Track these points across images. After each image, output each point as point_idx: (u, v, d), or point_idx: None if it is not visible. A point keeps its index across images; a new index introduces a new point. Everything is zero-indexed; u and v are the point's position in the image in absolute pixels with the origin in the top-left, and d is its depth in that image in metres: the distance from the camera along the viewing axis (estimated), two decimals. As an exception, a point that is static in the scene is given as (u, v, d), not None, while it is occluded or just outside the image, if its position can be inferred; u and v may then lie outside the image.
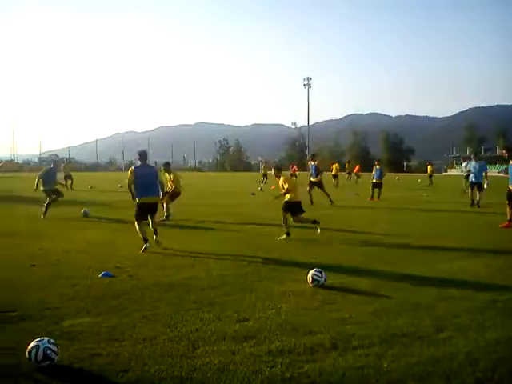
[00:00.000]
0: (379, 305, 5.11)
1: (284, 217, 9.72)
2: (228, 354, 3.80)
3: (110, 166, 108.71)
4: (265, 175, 35.74)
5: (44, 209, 13.32)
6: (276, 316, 4.74)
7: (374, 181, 20.05)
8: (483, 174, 16.23)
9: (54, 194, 13.82)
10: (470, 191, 16.86)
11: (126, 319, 4.64)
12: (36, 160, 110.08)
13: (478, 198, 16.26)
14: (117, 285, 5.96)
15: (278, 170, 10.32)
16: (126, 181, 8.74)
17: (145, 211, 8.70)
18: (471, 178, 16.75)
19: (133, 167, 8.95)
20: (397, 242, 9.36)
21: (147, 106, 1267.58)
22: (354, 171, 36.69)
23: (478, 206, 16.05)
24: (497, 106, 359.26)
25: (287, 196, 9.80)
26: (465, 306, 5.06)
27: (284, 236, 9.58)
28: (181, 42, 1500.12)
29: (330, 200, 17.15)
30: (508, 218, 11.32)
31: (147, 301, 5.27)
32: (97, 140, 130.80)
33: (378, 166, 20.42)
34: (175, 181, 13.34)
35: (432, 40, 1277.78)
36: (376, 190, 19.81)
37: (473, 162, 17.09)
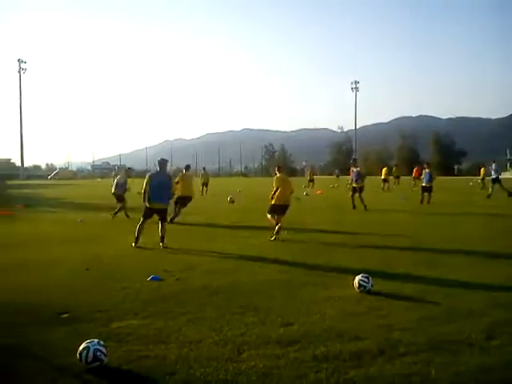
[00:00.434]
0: (426, 311, 5.00)
1: (271, 218, 10.64)
2: (273, 358, 3.82)
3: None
4: (311, 180, 35.80)
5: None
6: (321, 321, 4.73)
7: (424, 185, 19.62)
8: None
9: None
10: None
11: (173, 322, 4.74)
12: (89, 168, 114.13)
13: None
14: (164, 288, 6.10)
15: (278, 169, 11.41)
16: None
17: (151, 213, 9.55)
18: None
19: (150, 173, 9.89)
20: (444, 247, 9.11)
21: (195, 114, 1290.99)
22: (414, 175, 33.92)
23: None
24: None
25: (274, 198, 10.68)
26: (517, 314, 4.87)
27: (273, 237, 10.21)
28: (226, 51, 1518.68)
29: (365, 206, 16.86)
30: None
31: (193, 304, 5.36)
32: (146, 147, 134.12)
33: (427, 170, 19.98)
34: (183, 184, 13.63)
35: (480, 39, 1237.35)
36: (426, 194, 19.37)
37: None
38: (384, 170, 31.69)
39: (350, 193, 17.75)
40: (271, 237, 10.22)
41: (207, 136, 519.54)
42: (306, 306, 5.25)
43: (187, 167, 14.74)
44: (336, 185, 38.40)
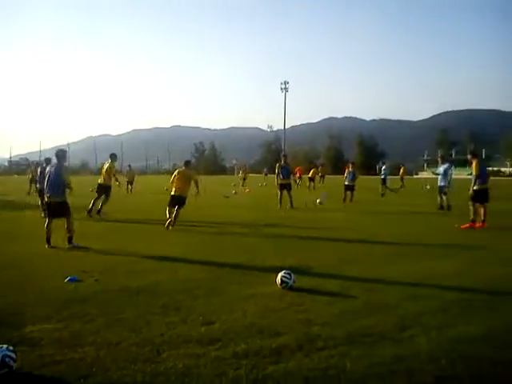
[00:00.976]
0: (346, 305, 5.15)
1: (169, 209, 12.03)
2: (193, 358, 3.77)
3: (82, 169, 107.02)
4: (244, 179, 36.72)
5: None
6: (243, 318, 4.73)
7: (347, 183, 20.30)
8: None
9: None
10: (438, 198, 16.35)
11: (90, 325, 4.56)
12: (6, 164, 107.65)
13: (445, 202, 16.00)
14: (82, 289, 5.85)
15: (185, 164, 13.02)
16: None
17: (49, 208, 9.36)
18: (443, 182, 16.05)
19: (44, 166, 10.80)
20: (366, 243, 9.51)
21: (122, 109, 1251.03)
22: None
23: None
24: (468, 110, 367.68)
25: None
26: (429, 306, 5.14)
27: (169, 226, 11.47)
28: (156, 44, 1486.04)
29: (291, 204, 17.11)
30: (472, 218, 11.70)
31: (112, 305, 5.19)
32: (68, 143, 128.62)
33: (351, 169, 20.68)
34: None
35: (407, 44, 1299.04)
36: (348, 192, 20.04)
37: (446, 165, 16.43)
38: (313, 170, 32.91)
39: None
40: (167, 226, 11.49)
41: (134, 132, 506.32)
42: (229, 303, 5.24)
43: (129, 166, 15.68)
44: (264, 183, 38.87)
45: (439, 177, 16.22)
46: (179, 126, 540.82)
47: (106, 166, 14.82)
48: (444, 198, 15.97)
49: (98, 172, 13.89)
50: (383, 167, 26.79)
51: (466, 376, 3.42)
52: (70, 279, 6.25)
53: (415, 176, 75.91)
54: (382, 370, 3.52)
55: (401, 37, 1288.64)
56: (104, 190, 14.28)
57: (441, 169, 16.22)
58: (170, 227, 11.50)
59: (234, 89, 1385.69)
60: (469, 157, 12.32)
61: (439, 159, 17.04)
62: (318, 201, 18.99)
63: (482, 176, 11.85)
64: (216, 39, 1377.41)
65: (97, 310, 5.03)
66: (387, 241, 9.76)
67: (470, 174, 12.23)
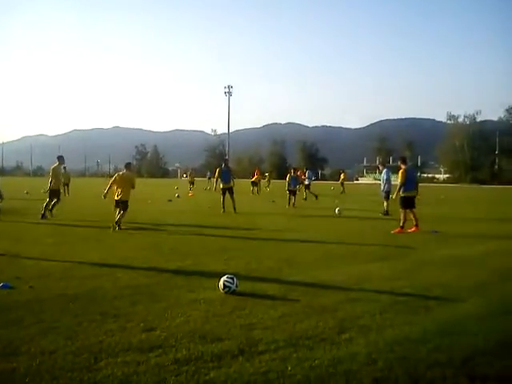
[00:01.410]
0: (287, 309, 5.21)
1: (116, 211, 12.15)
2: (132, 365, 3.68)
3: (16, 171, 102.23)
4: (192, 182, 36.75)
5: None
6: (184, 324, 4.68)
7: (291, 188, 20.60)
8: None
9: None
10: (384, 202, 16.91)
11: (24, 332, 4.36)
12: None
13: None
14: (16, 296, 5.58)
15: (126, 166, 13.10)
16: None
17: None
18: (385, 187, 16.69)
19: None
20: (308, 246, 9.69)
21: (59, 108, 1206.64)
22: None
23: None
24: (405, 118, 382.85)
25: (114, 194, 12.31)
26: (368, 307, 5.29)
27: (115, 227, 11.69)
28: (96, 42, 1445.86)
29: (234, 208, 17.16)
30: (401, 223, 12.17)
31: (48, 313, 4.98)
32: (3, 143, 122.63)
33: (293, 174, 21.04)
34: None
35: (347, 54, 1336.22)
36: (292, 196, 20.38)
37: (385, 170, 17.33)
38: (257, 175, 33.17)
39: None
40: (113, 228, 11.67)
41: (73, 133, 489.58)
42: (170, 309, 5.16)
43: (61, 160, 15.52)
44: (208, 187, 38.73)
45: (383, 182, 16.86)
46: (119, 127, 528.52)
47: (53, 167, 14.93)
48: (385, 203, 16.67)
49: (33, 174, 13.57)
50: (307, 172, 27.38)
51: (403, 377, 3.53)
52: (1, 286, 5.94)
53: (355, 181, 78.16)
54: (321, 372, 3.59)
55: (341, 46, 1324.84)
56: (54, 193, 14.45)
57: (384, 175, 16.94)
58: (117, 228, 11.77)
59: (177, 91, 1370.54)
60: (400, 163, 12.84)
61: (380, 166, 17.79)
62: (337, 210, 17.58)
63: (409, 183, 12.30)
64: (160, 39, 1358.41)
65: (31, 317, 4.81)
66: (328, 244, 9.99)
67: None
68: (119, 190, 12.18)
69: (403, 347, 4.12)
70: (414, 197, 12.37)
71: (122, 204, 12.07)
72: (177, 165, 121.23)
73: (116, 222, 11.73)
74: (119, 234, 11.32)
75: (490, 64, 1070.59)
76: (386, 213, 16.48)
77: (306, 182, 26.45)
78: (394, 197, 12.65)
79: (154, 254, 8.67)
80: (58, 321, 4.72)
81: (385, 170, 17.19)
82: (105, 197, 12.51)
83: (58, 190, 14.70)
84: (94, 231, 11.95)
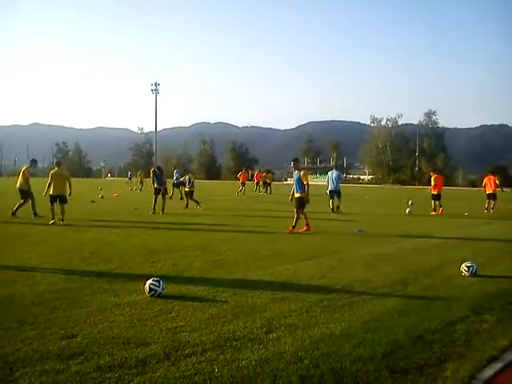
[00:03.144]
0: (215, 310, 5.16)
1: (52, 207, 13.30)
2: (51, 374, 3.48)
3: None
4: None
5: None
6: (108, 330, 4.50)
7: (187, 189, 20.20)
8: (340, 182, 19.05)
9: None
10: (330, 200, 18.92)
11: None
12: None
13: (337, 204, 18.90)
14: None
15: (57, 164, 14.27)
16: None
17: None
18: (332, 186, 18.90)
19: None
20: (235, 246, 9.67)
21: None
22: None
23: (336, 211, 18.50)
24: (332, 121, 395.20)
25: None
26: (295, 306, 5.36)
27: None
28: (13, 35, 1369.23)
29: (163, 209, 17.28)
30: (293, 224, 12.43)
31: (-43, 323, 4.62)
32: None
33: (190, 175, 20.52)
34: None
35: (276, 57, 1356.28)
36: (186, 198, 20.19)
37: (334, 172, 19.28)
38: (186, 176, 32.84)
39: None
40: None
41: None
42: (93, 315, 4.94)
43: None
44: (134, 188, 37.92)
45: (330, 182, 19.02)
46: (39, 123, 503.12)
47: (23, 169, 15.46)
48: (331, 201, 18.74)
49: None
50: (175, 171, 26.61)
51: (329, 373, 3.60)
52: None
53: (284, 182, 79.50)
54: (248, 372, 3.58)
55: (272, 48, 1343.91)
56: (25, 194, 14.87)
57: (332, 174, 18.98)
58: (57, 222, 12.99)
59: (101, 87, 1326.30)
60: (292, 164, 13.21)
61: (334, 167, 20.47)
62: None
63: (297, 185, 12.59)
64: (83, 31, 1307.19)
65: None
66: (256, 244, 10.05)
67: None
68: (55, 186, 13.48)
69: (329, 344, 4.20)
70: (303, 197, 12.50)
71: (60, 198, 13.44)
72: (101, 164, 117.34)
73: (54, 217, 13.17)
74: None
75: (411, 71, 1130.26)
76: (337, 208, 18.67)
77: (174, 181, 25.24)
78: (290, 199, 12.96)
79: (75, 257, 8.29)
80: (-33, 331, 4.38)
81: (336, 172, 19.32)
82: (45, 195, 13.74)
83: (27, 191, 14.97)
84: (10, 231, 11.24)
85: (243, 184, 31.88)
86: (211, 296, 5.78)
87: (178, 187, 24.75)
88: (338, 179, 19.20)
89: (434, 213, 19.07)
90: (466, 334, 4.55)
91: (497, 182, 21.13)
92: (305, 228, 12.48)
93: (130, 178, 45.48)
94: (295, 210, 12.55)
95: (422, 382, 3.51)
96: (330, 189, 18.99)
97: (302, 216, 12.50)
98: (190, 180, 19.64)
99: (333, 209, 18.64)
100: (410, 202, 22.52)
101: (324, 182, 23.39)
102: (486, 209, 20.68)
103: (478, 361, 3.90)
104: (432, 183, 19.79)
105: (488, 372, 3.74)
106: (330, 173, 19.49)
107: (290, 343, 4.20)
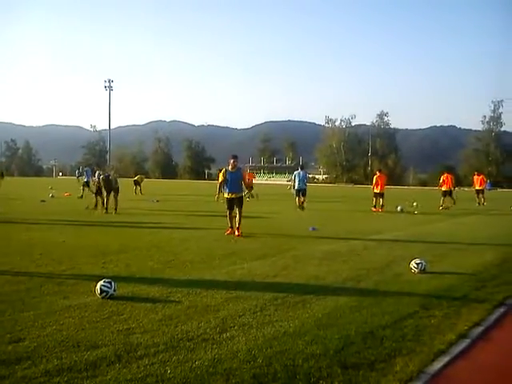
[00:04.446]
0: (168, 311, 5.11)
1: None
2: (-5, 381, 3.36)
3: None
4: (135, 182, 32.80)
5: None
6: (57, 333, 4.37)
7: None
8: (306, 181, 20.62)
9: None
10: (296, 198, 20.25)
11: None
12: None
13: (303, 201, 20.07)
14: None
15: None
16: None
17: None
18: (299, 185, 20.13)
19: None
20: (189, 246, 9.60)
21: None
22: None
23: (300, 208, 19.61)
24: (288, 121, 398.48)
25: None
26: (249, 305, 5.38)
27: None
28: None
29: (115, 209, 16.99)
30: (230, 224, 11.81)
31: None
32: None
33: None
34: None
35: (234, 57, 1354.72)
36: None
37: (301, 172, 20.45)
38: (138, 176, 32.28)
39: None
40: None
41: None
42: (41, 318, 4.79)
43: None
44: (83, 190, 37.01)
45: (296, 180, 20.19)
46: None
47: None
48: (297, 198, 20.02)
49: None
50: (81, 168, 25.78)
51: (282, 371, 3.62)
52: None
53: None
54: (201, 372, 3.56)
55: (229, 48, 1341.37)
56: None
57: (299, 174, 20.30)
58: None
59: (52, 83, 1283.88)
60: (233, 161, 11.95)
61: (300, 167, 21.31)
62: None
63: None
64: (31, 27, 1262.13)
65: None
66: (211, 243, 10.02)
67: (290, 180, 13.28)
68: None
69: (282, 342, 4.24)
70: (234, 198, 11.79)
71: None
72: (52, 162, 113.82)
73: None
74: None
75: (364, 73, 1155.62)
76: (302, 204, 19.99)
77: (85, 180, 24.24)
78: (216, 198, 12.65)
79: (23, 258, 8.00)
80: None
81: (302, 172, 20.66)
82: None
83: None
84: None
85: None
86: (164, 297, 5.71)
87: (88, 185, 22.77)
88: (305, 178, 20.65)
89: (374, 209, 20.29)
90: (415, 329, 4.69)
91: (453, 180, 22.87)
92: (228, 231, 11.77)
93: (79, 177, 43.81)
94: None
95: (372, 377, 3.59)
96: (297, 187, 20.17)
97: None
98: (99, 176, 18.47)
99: (298, 205, 19.87)
100: (414, 204, 22.79)
101: (281, 181, 24.22)
102: (442, 206, 21.94)
103: (426, 355, 4.03)
104: (374, 182, 21.03)
105: (436, 365, 3.87)
106: (296, 172, 20.71)
107: (244, 342, 4.21)
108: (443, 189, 22.42)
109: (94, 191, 18.17)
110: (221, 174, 11.88)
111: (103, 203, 17.09)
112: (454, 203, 22.08)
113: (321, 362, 3.80)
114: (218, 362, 3.75)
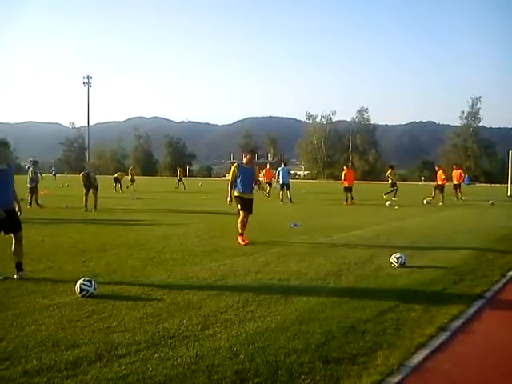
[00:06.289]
0: (150, 309, 5.07)
1: None
2: (-28, 384, 3.30)
3: None
4: (132, 180, 32.17)
5: None
6: (36, 332, 4.31)
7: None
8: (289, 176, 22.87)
9: None
10: (280, 192, 22.28)
11: None
12: None
13: (290, 196, 21.77)
14: None
15: None
16: None
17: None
18: (283, 180, 22.18)
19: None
20: (171, 243, 9.54)
21: None
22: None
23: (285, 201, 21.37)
24: (269, 117, 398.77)
25: None
26: (231, 302, 5.37)
27: None
28: None
29: (95, 207, 16.89)
30: (241, 231, 10.16)
31: None
32: None
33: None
34: None
35: (219, 54, 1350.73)
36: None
37: (284, 168, 22.76)
38: (121, 173, 31.96)
39: None
40: None
41: None
42: (20, 317, 4.71)
43: None
44: (66, 184, 36.60)
45: (281, 176, 22.20)
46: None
47: None
48: (281, 192, 22.10)
49: None
50: (28, 165, 24.92)
51: (264, 366, 3.63)
52: None
53: (222, 178, 79.41)
54: (183, 370, 3.55)
55: (211, 44, 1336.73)
56: None
57: (283, 170, 22.37)
58: None
59: (29, 79, 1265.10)
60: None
61: (282, 163, 23.99)
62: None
63: None
64: (9, 22, 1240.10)
65: None
66: (194, 240, 9.97)
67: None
68: None
69: (264, 338, 4.25)
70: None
71: None
72: (30, 159, 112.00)
73: None
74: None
75: (344, 69, 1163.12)
76: (289, 199, 21.63)
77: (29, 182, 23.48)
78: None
79: (0, 258, 7.84)
80: None
81: (285, 168, 22.90)
82: None
83: None
84: None
85: (269, 184, 26.63)
86: (146, 294, 5.67)
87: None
88: (288, 174, 22.87)
89: (345, 203, 21.41)
90: (395, 322, 4.75)
91: (462, 174, 25.64)
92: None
93: (55, 175, 42.92)
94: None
95: (354, 371, 3.62)
96: (281, 182, 22.35)
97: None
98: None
99: (282, 199, 21.80)
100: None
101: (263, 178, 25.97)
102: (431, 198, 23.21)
103: (406, 348, 4.08)
104: (342, 177, 22.17)
105: (416, 358, 3.92)
106: (280, 168, 22.78)
107: (226, 339, 4.21)
108: (454, 182, 24.96)
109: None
110: (232, 169, 10.04)
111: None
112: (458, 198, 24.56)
113: (303, 357, 3.81)
114: (200, 359, 3.74)
